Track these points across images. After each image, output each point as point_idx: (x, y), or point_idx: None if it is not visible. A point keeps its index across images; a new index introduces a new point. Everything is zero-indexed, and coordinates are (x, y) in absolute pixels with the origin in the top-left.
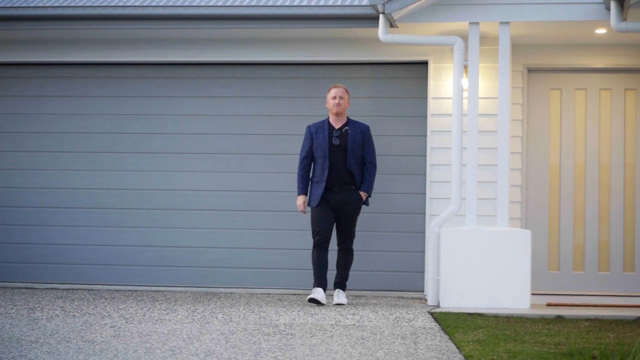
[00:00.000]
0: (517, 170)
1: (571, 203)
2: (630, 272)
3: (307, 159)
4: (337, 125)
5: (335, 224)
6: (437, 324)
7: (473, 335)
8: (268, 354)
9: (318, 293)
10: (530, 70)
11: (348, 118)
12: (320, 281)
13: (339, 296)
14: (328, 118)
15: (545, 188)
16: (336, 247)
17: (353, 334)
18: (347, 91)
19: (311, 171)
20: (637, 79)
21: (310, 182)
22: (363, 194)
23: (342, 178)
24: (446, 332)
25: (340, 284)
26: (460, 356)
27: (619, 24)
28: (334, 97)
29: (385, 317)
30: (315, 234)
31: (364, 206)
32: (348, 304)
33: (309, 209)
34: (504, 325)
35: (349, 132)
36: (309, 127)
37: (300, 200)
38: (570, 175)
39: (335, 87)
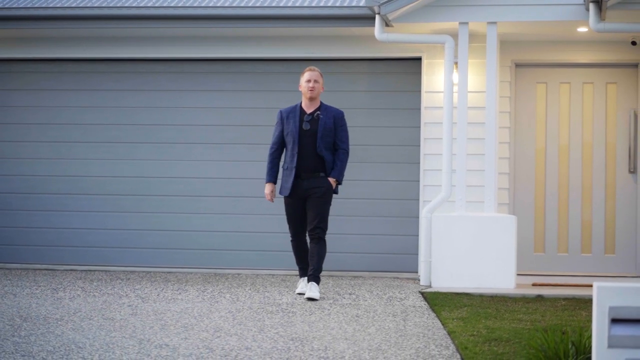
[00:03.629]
0: (505, 159)
1: (556, 190)
2: (611, 254)
3: (277, 144)
4: (309, 110)
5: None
6: (426, 303)
7: (458, 313)
8: (271, 329)
9: (305, 285)
10: (518, 65)
11: (322, 103)
12: (303, 271)
13: (312, 289)
14: (301, 102)
15: (532, 175)
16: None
17: (349, 312)
18: (321, 75)
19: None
20: (618, 73)
21: (282, 169)
22: (332, 181)
23: (312, 164)
24: (434, 310)
25: (314, 276)
26: (444, 332)
27: (597, 25)
28: (308, 81)
29: (379, 296)
30: (289, 226)
31: (361, 193)
32: (345, 284)
33: (280, 197)
34: (487, 304)
35: (321, 116)
36: (280, 112)
37: (268, 189)
38: (555, 163)
39: (309, 70)
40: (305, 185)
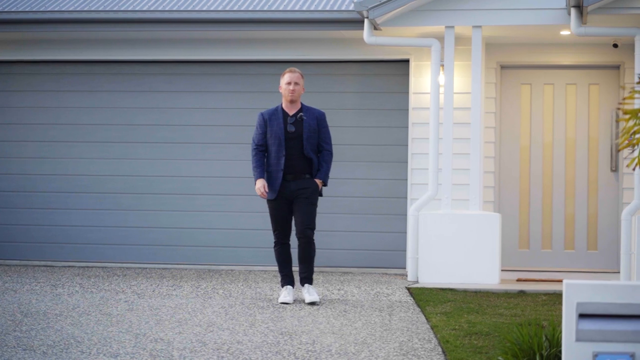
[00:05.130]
0: (491, 158)
1: (540, 188)
2: (593, 250)
3: (262, 145)
4: (291, 112)
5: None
6: (412, 298)
7: (441, 308)
8: (262, 324)
9: (288, 295)
10: (503, 67)
11: (302, 104)
12: (287, 279)
13: (311, 293)
14: (281, 104)
15: (517, 174)
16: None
17: (337, 307)
18: (302, 76)
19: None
20: (601, 75)
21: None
22: (319, 182)
23: (298, 166)
24: (419, 305)
25: (307, 278)
26: (428, 326)
27: (579, 29)
28: (289, 83)
29: (367, 292)
30: (274, 230)
31: (350, 191)
32: (334, 280)
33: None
34: (470, 299)
35: (304, 118)
36: (261, 114)
37: (260, 183)
38: (539, 162)
39: (290, 71)
40: (293, 187)
